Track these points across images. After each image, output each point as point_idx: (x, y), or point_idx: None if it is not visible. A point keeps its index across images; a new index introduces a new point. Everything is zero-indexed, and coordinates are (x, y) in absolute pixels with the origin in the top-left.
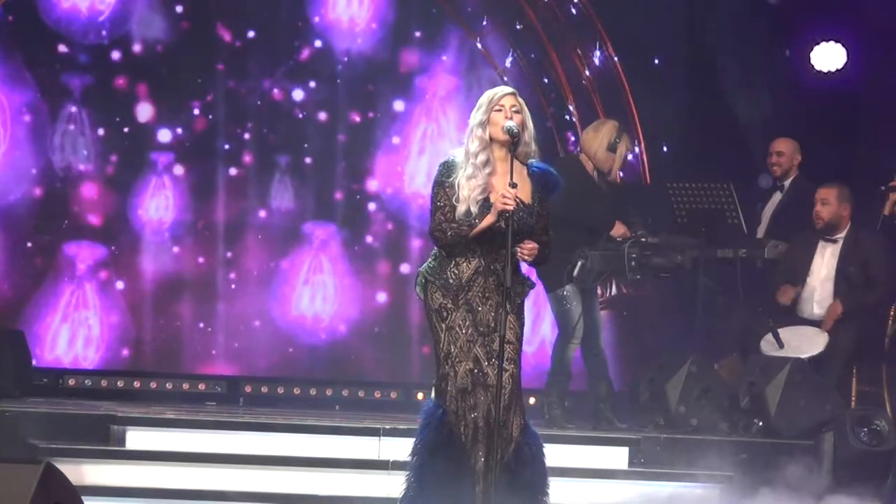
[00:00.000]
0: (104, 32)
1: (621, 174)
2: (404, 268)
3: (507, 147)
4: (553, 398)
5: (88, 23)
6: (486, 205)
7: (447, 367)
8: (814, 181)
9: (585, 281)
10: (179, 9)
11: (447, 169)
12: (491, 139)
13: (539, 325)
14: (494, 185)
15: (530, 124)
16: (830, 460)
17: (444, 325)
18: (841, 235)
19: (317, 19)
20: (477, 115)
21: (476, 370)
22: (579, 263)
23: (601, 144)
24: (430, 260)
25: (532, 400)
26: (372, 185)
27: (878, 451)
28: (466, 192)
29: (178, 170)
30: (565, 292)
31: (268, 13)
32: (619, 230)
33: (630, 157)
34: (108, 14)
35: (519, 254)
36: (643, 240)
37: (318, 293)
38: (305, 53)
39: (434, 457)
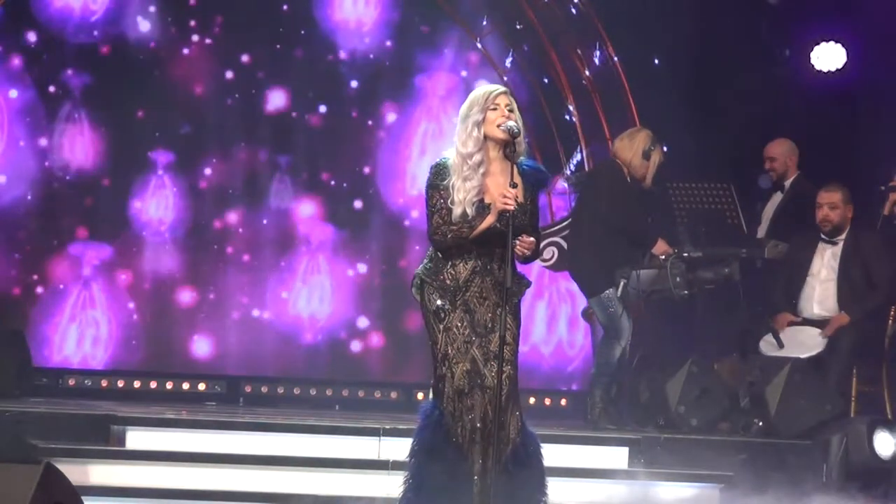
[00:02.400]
0: (96, 32)
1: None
2: (403, 268)
3: (504, 146)
4: (596, 399)
5: (81, 22)
6: (481, 206)
7: (444, 369)
8: (814, 181)
9: (630, 299)
10: (175, 9)
11: (440, 171)
12: (485, 139)
13: (555, 325)
14: (489, 185)
15: (520, 122)
16: (838, 462)
17: (441, 327)
18: (841, 237)
19: (321, 19)
20: (472, 115)
21: (473, 371)
22: (622, 283)
23: (636, 152)
24: (425, 261)
25: (532, 400)
26: (372, 184)
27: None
28: (462, 194)
29: (178, 169)
30: (607, 296)
31: (269, 12)
32: (660, 248)
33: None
34: (101, 13)
35: (518, 246)
36: (685, 254)
37: (314, 293)
38: (307, 52)
39: (432, 458)
